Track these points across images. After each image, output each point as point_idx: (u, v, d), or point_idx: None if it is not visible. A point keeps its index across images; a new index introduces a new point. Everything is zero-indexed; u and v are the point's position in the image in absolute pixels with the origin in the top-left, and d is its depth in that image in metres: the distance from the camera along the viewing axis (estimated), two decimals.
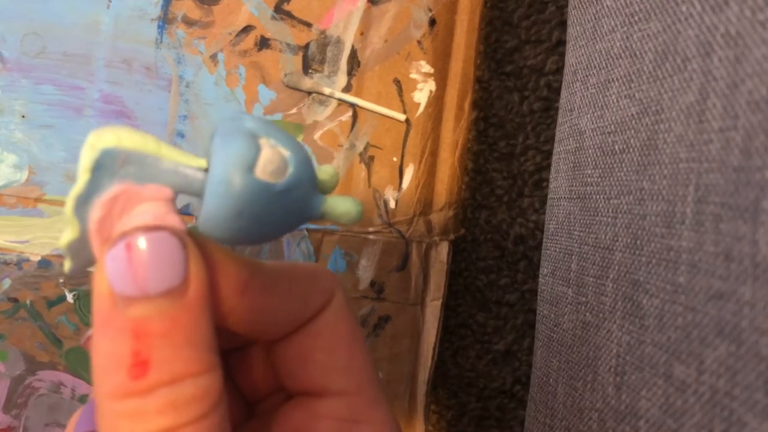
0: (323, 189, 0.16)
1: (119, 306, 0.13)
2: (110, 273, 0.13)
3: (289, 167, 0.15)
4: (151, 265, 0.13)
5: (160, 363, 0.13)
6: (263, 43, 0.33)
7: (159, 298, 0.13)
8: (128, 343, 0.13)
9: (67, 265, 0.15)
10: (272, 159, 0.15)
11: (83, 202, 0.14)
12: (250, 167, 0.14)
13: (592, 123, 0.24)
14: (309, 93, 0.33)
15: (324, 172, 0.16)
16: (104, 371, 0.14)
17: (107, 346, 0.13)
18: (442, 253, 0.34)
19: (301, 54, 0.33)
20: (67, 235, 0.14)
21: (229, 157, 0.14)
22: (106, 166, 0.14)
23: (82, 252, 0.15)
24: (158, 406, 0.13)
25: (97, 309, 0.14)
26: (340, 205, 0.16)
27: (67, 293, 0.33)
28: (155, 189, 0.15)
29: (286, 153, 0.15)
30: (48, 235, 0.33)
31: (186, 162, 0.15)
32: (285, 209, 0.15)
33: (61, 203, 0.32)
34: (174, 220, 0.14)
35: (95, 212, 0.14)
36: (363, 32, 0.34)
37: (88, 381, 0.33)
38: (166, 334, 0.13)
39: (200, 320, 0.14)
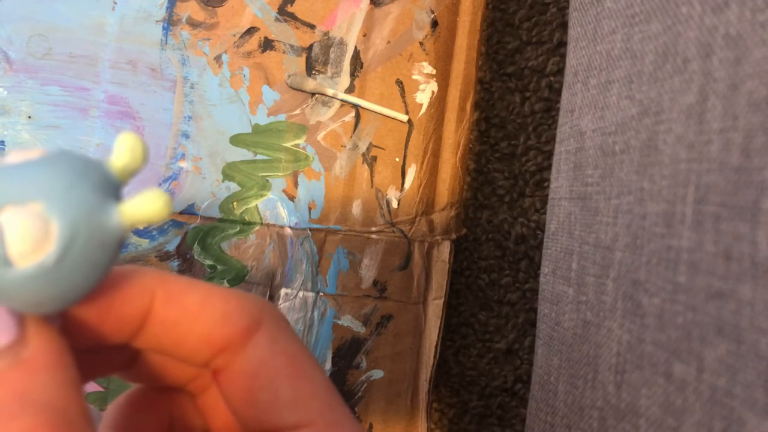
0: (125, 175, 0.14)
1: None
2: None
3: (51, 221, 0.12)
4: None
5: None
6: (267, 44, 0.33)
7: None
8: None
9: None
10: (23, 231, 0.12)
11: None
12: (4, 260, 0.12)
13: (593, 124, 0.25)
14: (312, 94, 0.34)
15: (119, 155, 0.13)
16: None
17: None
18: (444, 252, 0.34)
19: (304, 55, 0.34)
20: None
21: None
22: None
23: None
24: None
25: None
26: (143, 207, 0.13)
27: None
28: None
29: (40, 206, 0.12)
30: None
31: None
32: (81, 260, 0.13)
33: None
34: None
35: None
36: (366, 34, 0.34)
37: (96, 380, 0.33)
38: None
39: (43, 379, 0.13)
